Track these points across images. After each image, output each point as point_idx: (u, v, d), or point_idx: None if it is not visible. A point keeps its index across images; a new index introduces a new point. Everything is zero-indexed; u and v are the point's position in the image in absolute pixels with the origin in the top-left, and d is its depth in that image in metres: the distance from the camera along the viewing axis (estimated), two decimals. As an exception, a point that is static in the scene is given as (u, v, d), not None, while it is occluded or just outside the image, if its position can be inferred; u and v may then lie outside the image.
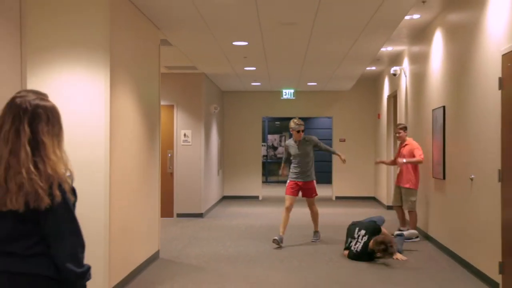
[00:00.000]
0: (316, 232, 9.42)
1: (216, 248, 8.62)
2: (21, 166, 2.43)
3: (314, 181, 9.15)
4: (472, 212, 6.82)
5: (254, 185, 16.52)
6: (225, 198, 16.21)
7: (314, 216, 9.34)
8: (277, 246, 8.58)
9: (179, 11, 7.06)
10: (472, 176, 6.71)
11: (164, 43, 8.57)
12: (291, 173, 9.16)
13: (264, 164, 20.61)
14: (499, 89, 5.77)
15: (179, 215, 12.20)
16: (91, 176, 5.57)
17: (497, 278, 5.85)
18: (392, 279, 6.67)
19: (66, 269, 2.53)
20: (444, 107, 8.10)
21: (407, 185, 9.21)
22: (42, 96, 2.66)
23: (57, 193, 2.45)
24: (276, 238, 8.65)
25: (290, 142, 9.35)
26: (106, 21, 5.70)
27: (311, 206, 9.25)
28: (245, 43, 9.10)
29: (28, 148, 2.46)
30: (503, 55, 5.68)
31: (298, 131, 9.08)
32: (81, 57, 5.63)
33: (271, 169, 23.78)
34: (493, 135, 5.99)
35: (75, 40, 5.61)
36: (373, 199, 15.70)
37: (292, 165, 9.20)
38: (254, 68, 11.86)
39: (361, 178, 15.93)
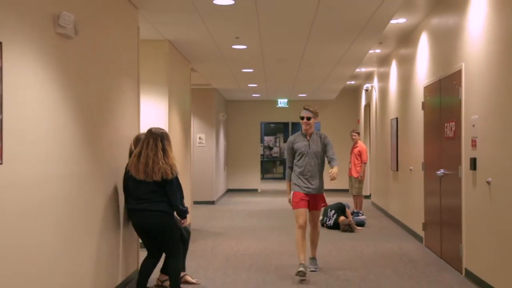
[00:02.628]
0: (313, 258, 7.04)
1: (230, 223, 11.59)
2: (159, 160, 5.43)
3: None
4: (411, 192, 9.80)
5: (253, 179, 19.39)
6: (229, 191, 19.13)
7: (315, 236, 7.02)
8: (303, 278, 6.38)
9: (206, 51, 9.99)
10: (411, 167, 9.69)
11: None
12: (297, 181, 6.77)
13: (261, 163, 22.42)
14: (422, 109, 8.74)
15: (195, 202, 15.13)
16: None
17: (421, 233, 8.85)
18: (356, 238, 9.63)
19: (178, 207, 5.56)
20: (397, 118, 11.08)
21: (355, 175, 11.83)
22: (160, 127, 5.67)
23: (174, 172, 5.46)
24: (300, 269, 6.34)
25: (295, 136, 6.93)
26: (167, 66, 8.68)
27: (315, 221, 6.95)
28: (251, 70, 12.08)
29: (161, 152, 5.48)
30: (424, 87, 8.66)
31: (303, 118, 6.75)
32: (151, 90, 8.61)
33: (266, 167, 25.70)
34: (419, 139, 8.97)
35: (148, 78, 8.56)
36: (353, 191, 18.66)
37: (296, 170, 6.82)
38: (255, 85, 14.83)
39: (342, 173, 18.51)
